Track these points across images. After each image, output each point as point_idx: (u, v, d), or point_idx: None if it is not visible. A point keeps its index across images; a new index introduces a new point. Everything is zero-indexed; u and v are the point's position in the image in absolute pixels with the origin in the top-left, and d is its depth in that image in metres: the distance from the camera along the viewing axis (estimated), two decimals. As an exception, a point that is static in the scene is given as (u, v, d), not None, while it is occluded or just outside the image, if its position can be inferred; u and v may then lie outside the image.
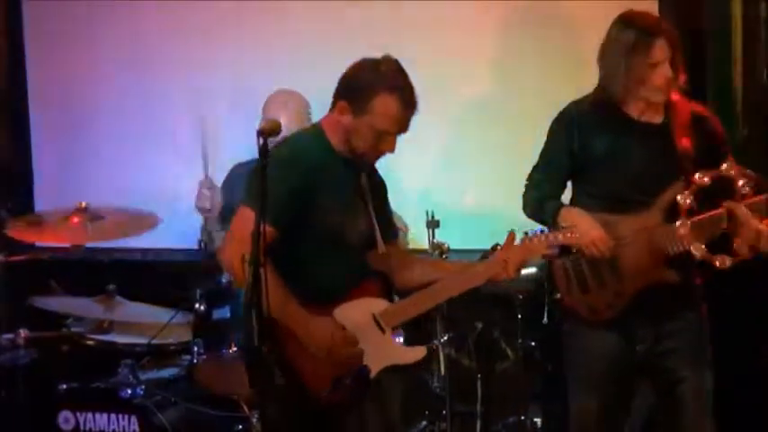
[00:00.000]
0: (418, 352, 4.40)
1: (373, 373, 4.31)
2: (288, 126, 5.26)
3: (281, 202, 4.12)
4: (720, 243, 4.41)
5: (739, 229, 4.30)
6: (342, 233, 4.29)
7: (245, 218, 4.10)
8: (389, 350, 4.36)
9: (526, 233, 4.31)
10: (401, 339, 4.42)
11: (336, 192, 4.27)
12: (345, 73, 4.27)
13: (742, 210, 4.29)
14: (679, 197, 4.33)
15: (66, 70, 6.31)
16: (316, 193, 4.22)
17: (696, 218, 4.35)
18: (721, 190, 4.36)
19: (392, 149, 4.26)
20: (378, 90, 4.18)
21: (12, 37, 6.48)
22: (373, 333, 4.32)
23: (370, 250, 4.37)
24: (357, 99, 4.21)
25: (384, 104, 4.18)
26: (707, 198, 4.37)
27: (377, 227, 4.39)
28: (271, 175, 4.07)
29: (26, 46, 6.45)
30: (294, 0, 6.10)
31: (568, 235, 4.30)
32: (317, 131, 4.33)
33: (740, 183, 4.32)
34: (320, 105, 5.74)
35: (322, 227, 4.24)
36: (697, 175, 4.32)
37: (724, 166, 4.33)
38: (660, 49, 4.44)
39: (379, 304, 4.33)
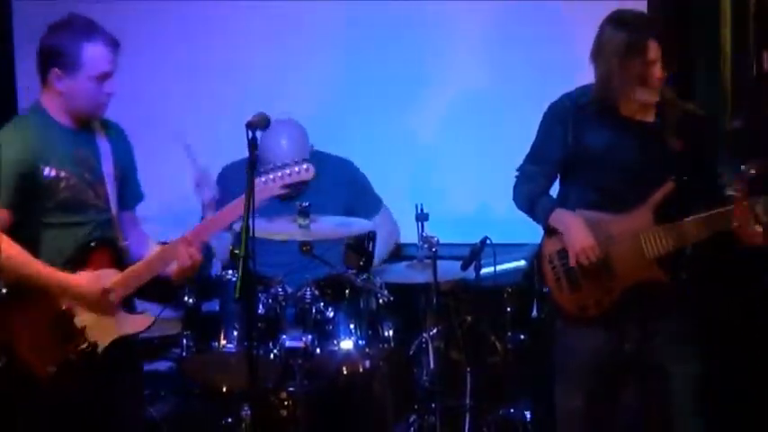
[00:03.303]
0: (145, 320, 4.40)
1: (101, 347, 4.29)
2: (290, 150, 5.32)
3: (8, 184, 4.18)
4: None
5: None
6: (76, 203, 4.30)
7: None
8: (118, 322, 4.35)
9: None
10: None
11: (62, 161, 4.27)
12: (42, 45, 4.30)
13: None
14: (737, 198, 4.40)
15: None
16: (39, 168, 4.22)
17: (707, 213, 4.40)
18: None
19: (113, 89, 4.29)
20: (81, 43, 4.23)
21: (2, 37, 6.44)
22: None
23: (106, 217, 4.37)
24: (65, 61, 4.24)
25: (92, 52, 4.22)
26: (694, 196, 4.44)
27: (110, 194, 4.39)
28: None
29: (16, 46, 6.41)
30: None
31: (297, 170, 4.31)
32: (36, 108, 4.34)
33: None
34: (319, 102, 5.89)
35: (51, 198, 4.25)
36: (745, 167, 4.38)
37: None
38: (653, 50, 4.44)
39: (108, 275, 4.32)
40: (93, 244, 4.33)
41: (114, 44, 4.28)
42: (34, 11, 6.23)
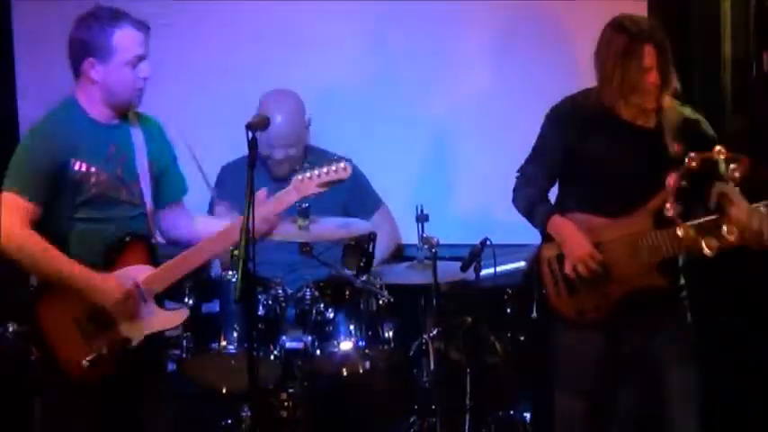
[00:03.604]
0: (179, 315, 4.44)
1: (134, 343, 4.32)
2: (284, 125, 5.45)
3: (38, 178, 4.22)
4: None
5: (729, 208, 4.32)
6: (107, 198, 4.31)
7: (8, 204, 4.22)
8: (151, 318, 4.37)
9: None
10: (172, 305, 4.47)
11: (94, 156, 4.29)
12: (72, 39, 4.31)
13: (732, 189, 4.30)
14: (669, 179, 4.34)
15: (55, 70, 6.17)
16: (69, 163, 4.25)
17: (695, 221, 4.37)
18: (710, 175, 4.38)
19: (148, 73, 4.31)
20: (110, 30, 4.24)
21: (1, 37, 6.40)
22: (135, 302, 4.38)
23: (139, 213, 4.39)
24: (97, 49, 4.25)
25: (123, 37, 4.24)
26: (696, 182, 4.39)
27: (144, 191, 4.40)
28: (26, 152, 4.28)
29: (15, 46, 6.39)
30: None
31: (334, 169, 4.33)
32: (69, 103, 4.36)
33: (731, 167, 4.33)
34: (319, 101, 5.84)
35: (81, 194, 4.27)
36: (687, 159, 4.33)
37: (715, 149, 4.34)
38: (649, 55, 4.45)
39: (142, 272, 4.34)
40: (127, 239, 4.33)
41: (144, 27, 4.29)
42: (33, 10, 6.26)
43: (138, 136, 4.42)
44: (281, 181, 4.93)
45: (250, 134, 4.14)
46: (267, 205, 4.32)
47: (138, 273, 4.37)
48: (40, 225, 4.29)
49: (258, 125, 4.20)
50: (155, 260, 4.40)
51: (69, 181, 4.28)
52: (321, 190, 4.41)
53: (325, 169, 4.37)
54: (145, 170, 4.41)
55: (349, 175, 4.42)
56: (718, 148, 4.36)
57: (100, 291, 4.26)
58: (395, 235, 5.81)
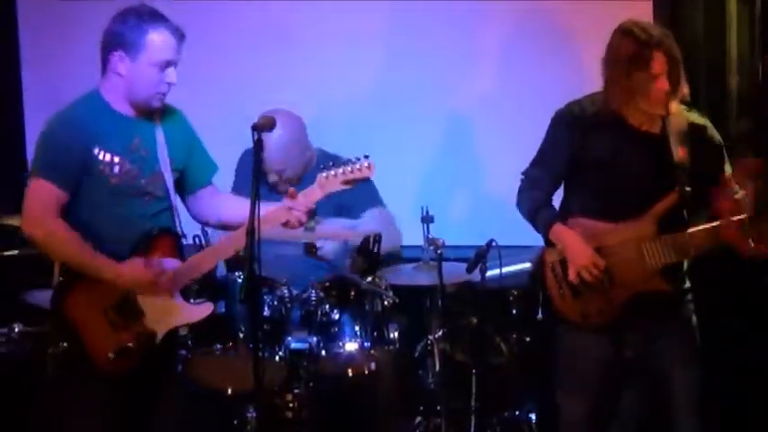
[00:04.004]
0: (204, 309, 4.45)
1: (159, 336, 4.35)
2: (275, 148, 5.31)
3: (65, 166, 4.22)
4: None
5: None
6: (129, 188, 4.33)
7: (36, 191, 4.22)
8: (176, 311, 4.40)
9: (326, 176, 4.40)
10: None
11: (117, 146, 4.30)
12: (106, 30, 4.31)
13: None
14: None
15: (61, 69, 6.19)
16: (92, 151, 4.25)
17: (709, 225, 4.40)
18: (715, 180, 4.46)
19: (174, 80, 4.32)
20: (146, 29, 4.25)
21: (6, 36, 6.42)
22: (160, 295, 4.39)
23: (163, 206, 4.41)
24: (129, 44, 4.26)
25: (156, 38, 4.25)
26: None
27: (168, 183, 4.41)
28: (50, 138, 4.27)
29: (21, 45, 6.40)
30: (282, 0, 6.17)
31: (358, 167, 4.36)
32: (93, 95, 4.37)
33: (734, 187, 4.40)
34: (328, 105, 5.89)
35: (105, 183, 4.28)
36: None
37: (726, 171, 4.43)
38: (658, 62, 4.44)
39: (169, 264, 4.37)
40: (155, 232, 4.35)
41: (180, 35, 4.30)
42: (37, 9, 6.30)
43: (159, 132, 4.42)
44: (280, 194, 4.98)
45: (256, 135, 4.15)
46: (296, 202, 4.34)
47: (166, 264, 4.38)
48: (68, 215, 4.28)
49: (264, 126, 4.21)
50: (181, 254, 4.42)
51: (93, 169, 4.28)
52: (345, 187, 4.42)
53: (349, 167, 4.38)
54: (167, 166, 4.41)
55: (372, 174, 4.43)
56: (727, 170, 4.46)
57: (128, 277, 4.27)
58: (395, 239, 5.72)
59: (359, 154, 5.51)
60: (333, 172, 4.39)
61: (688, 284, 4.59)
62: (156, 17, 4.33)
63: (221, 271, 5.18)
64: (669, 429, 4.64)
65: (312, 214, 4.79)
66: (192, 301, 4.48)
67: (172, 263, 4.38)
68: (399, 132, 6.09)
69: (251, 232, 4.05)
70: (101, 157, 4.27)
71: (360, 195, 5.46)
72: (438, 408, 5.35)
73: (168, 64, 4.31)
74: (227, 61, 6.23)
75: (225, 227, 4.57)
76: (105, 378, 4.33)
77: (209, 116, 5.85)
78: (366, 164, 4.38)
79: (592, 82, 4.65)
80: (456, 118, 6.09)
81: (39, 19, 6.39)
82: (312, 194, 4.40)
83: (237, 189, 5.47)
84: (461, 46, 6.04)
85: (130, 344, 4.32)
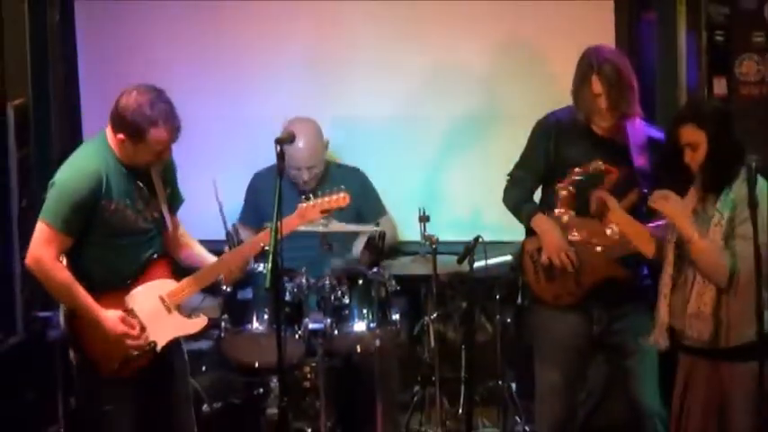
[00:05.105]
0: (199, 322, 4.61)
1: (160, 347, 4.49)
2: (306, 150, 5.59)
3: (71, 213, 4.35)
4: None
5: (607, 212, 4.51)
6: (127, 227, 4.44)
7: (42, 234, 4.37)
8: (175, 325, 4.54)
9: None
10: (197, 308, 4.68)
11: (119, 192, 4.41)
12: (117, 111, 4.39)
13: (607, 195, 4.51)
14: (560, 189, 4.62)
15: (119, 72, 6.06)
16: (100, 197, 4.38)
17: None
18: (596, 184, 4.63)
19: (169, 157, 4.48)
20: (148, 127, 4.35)
21: (65, 38, 6.36)
22: (160, 311, 4.51)
23: (161, 233, 4.54)
24: (133, 134, 4.37)
25: (157, 136, 4.38)
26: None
27: (165, 215, 4.53)
28: (61, 190, 4.36)
29: (78, 49, 6.36)
30: (288, 21, 6.16)
31: (335, 198, 4.53)
32: (102, 143, 4.46)
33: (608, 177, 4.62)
34: (338, 124, 5.99)
35: (108, 225, 4.41)
36: (570, 171, 4.64)
37: (596, 162, 4.64)
38: (596, 83, 4.68)
39: (166, 285, 4.52)
40: (154, 257, 4.51)
41: (177, 130, 4.41)
42: (96, 11, 6.32)
43: (156, 175, 4.56)
44: (306, 193, 4.99)
45: (278, 148, 4.39)
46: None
47: (162, 286, 4.53)
48: (76, 248, 4.43)
49: (285, 140, 4.47)
50: (177, 273, 4.57)
51: (100, 216, 4.40)
52: (323, 216, 4.64)
53: (327, 199, 4.57)
54: (164, 200, 4.56)
55: (348, 204, 4.60)
56: (598, 162, 4.65)
57: (102, 326, 4.41)
58: (394, 238, 5.88)
59: (366, 164, 5.81)
60: (312, 203, 4.57)
61: (646, 272, 4.83)
62: (161, 114, 4.37)
63: (250, 264, 5.05)
64: (628, 395, 4.92)
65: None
66: (188, 316, 4.60)
67: (167, 284, 4.53)
68: (400, 146, 6.18)
69: (274, 230, 4.23)
70: (107, 206, 4.40)
71: (373, 207, 5.80)
72: (433, 378, 5.45)
73: (163, 151, 4.44)
74: (241, 76, 6.23)
75: (173, 255, 4.65)
76: (112, 381, 4.47)
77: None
78: (342, 195, 4.57)
79: (564, 99, 4.92)
80: (448, 133, 6.14)
81: (96, 42, 6.37)
82: (290, 223, 4.54)
83: (254, 206, 5.69)
84: (457, 71, 6.08)
85: (134, 354, 4.45)
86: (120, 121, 4.41)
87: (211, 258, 4.68)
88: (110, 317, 4.44)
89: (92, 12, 6.36)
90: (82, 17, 6.36)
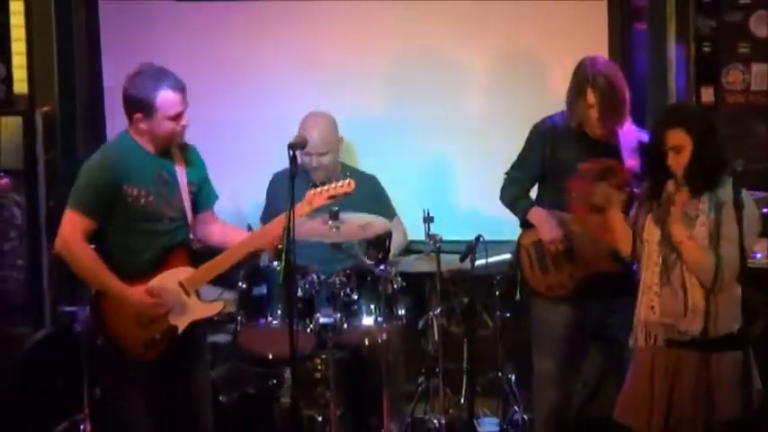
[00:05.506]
0: (216, 306, 4.74)
1: (181, 329, 4.62)
2: (319, 141, 5.66)
3: (95, 198, 4.51)
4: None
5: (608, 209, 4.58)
6: (152, 214, 4.58)
7: (69, 219, 4.51)
8: (193, 308, 4.64)
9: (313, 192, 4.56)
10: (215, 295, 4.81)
11: (141, 179, 4.55)
12: (124, 95, 4.58)
13: (614, 192, 4.61)
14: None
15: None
16: (122, 182, 4.52)
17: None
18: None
19: (186, 123, 4.60)
20: (153, 93, 4.51)
21: (90, 37, 6.45)
22: (180, 296, 4.63)
23: (180, 224, 4.66)
24: (145, 106, 4.52)
25: (166, 98, 4.52)
26: None
27: (185, 205, 4.65)
28: (86, 178, 4.51)
29: (102, 49, 6.45)
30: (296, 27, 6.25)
31: (341, 185, 4.61)
32: (124, 137, 4.63)
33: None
34: (351, 130, 6.06)
35: (131, 211, 4.56)
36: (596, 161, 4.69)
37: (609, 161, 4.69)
38: (590, 95, 4.79)
39: (185, 272, 4.63)
40: (173, 247, 4.65)
41: (181, 88, 4.57)
42: (119, 10, 6.39)
43: (179, 161, 4.68)
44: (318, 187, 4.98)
45: (291, 152, 4.51)
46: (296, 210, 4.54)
47: (181, 273, 4.65)
48: (103, 235, 4.58)
49: (297, 145, 4.58)
50: (195, 262, 4.70)
51: (123, 201, 4.55)
52: (330, 202, 4.70)
53: (333, 185, 4.66)
54: (185, 188, 4.68)
55: (353, 189, 4.66)
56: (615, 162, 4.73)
57: (129, 301, 4.56)
58: (404, 239, 5.95)
59: (377, 169, 5.98)
60: (319, 189, 4.65)
61: (636, 266, 4.70)
62: (160, 78, 4.54)
63: (264, 261, 5.32)
64: (620, 386, 4.76)
65: (336, 216, 5.07)
66: (206, 300, 4.72)
67: (185, 271, 4.65)
68: (407, 152, 6.31)
69: (287, 230, 4.35)
70: (129, 191, 4.55)
71: (384, 209, 5.83)
72: (437, 369, 5.53)
73: (179, 114, 4.58)
74: (258, 82, 6.33)
75: (221, 246, 4.80)
76: (139, 362, 4.60)
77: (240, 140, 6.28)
78: (347, 181, 4.65)
79: (558, 106, 5.05)
80: (451, 139, 6.28)
81: (119, 48, 6.43)
82: (301, 209, 4.62)
83: (272, 205, 5.77)
84: (461, 81, 6.23)
85: (157, 337, 4.59)
86: (129, 102, 4.56)
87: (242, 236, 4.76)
88: (136, 291, 4.56)
89: (115, 18, 6.44)
90: (106, 24, 6.45)
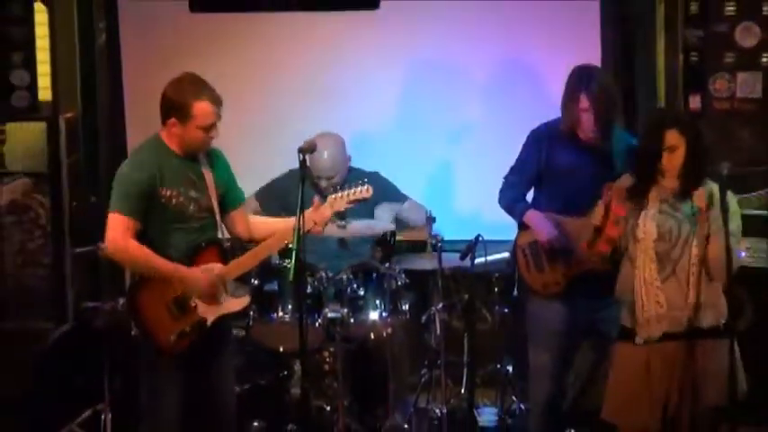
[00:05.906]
0: (243, 300, 4.78)
1: (209, 322, 4.67)
2: (330, 166, 5.76)
3: (135, 200, 4.59)
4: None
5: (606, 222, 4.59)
6: (182, 213, 4.65)
7: (114, 221, 4.60)
8: (223, 303, 4.70)
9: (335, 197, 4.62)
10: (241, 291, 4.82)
11: (172, 181, 4.62)
12: (163, 99, 4.63)
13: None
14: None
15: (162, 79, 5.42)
16: (156, 184, 4.60)
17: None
18: None
19: (217, 134, 4.65)
20: (191, 101, 4.58)
21: (111, 59, 6.58)
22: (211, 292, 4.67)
23: (208, 222, 4.72)
24: (180, 112, 4.59)
25: (202, 107, 4.60)
26: None
27: (214, 204, 4.70)
28: (123, 180, 4.59)
29: (122, 56, 6.55)
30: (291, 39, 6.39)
31: (359, 191, 4.67)
32: (156, 140, 4.70)
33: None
34: (357, 140, 6.12)
35: (165, 211, 4.63)
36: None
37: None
38: (583, 101, 4.84)
39: (216, 267, 4.68)
40: (203, 244, 4.72)
41: (218, 101, 4.64)
42: (139, 10, 6.48)
43: (205, 165, 4.76)
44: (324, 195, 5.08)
45: (301, 156, 4.61)
46: (316, 214, 4.69)
47: (209, 269, 4.71)
48: (142, 235, 4.67)
49: (307, 149, 4.66)
50: (225, 258, 4.76)
51: (157, 201, 4.63)
52: (350, 206, 4.77)
53: (353, 190, 4.71)
54: (213, 190, 4.75)
55: (371, 195, 4.72)
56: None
57: (190, 281, 4.65)
58: (421, 213, 5.83)
59: (385, 167, 6.00)
60: (340, 194, 4.71)
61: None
62: (200, 88, 4.62)
63: (275, 259, 5.51)
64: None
65: (342, 216, 5.07)
66: (234, 295, 4.77)
67: (217, 267, 4.70)
68: (410, 157, 6.44)
69: (297, 229, 4.46)
70: (163, 192, 4.63)
71: (394, 197, 5.91)
72: (439, 362, 5.63)
73: (211, 126, 4.65)
74: (272, 87, 6.48)
75: (250, 240, 4.88)
76: (170, 353, 4.67)
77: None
78: (366, 188, 4.70)
79: (554, 112, 5.10)
80: (452, 145, 6.46)
81: (139, 55, 6.56)
82: (324, 211, 4.71)
83: (273, 196, 5.85)
84: (461, 89, 6.37)
85: (187, 329, 4.65)
86: (167, 106, 4.65)
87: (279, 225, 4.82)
88: (194, 270, 4.67)
89: (134, 27, 6.56)
90: (126, 32, 6.56)
